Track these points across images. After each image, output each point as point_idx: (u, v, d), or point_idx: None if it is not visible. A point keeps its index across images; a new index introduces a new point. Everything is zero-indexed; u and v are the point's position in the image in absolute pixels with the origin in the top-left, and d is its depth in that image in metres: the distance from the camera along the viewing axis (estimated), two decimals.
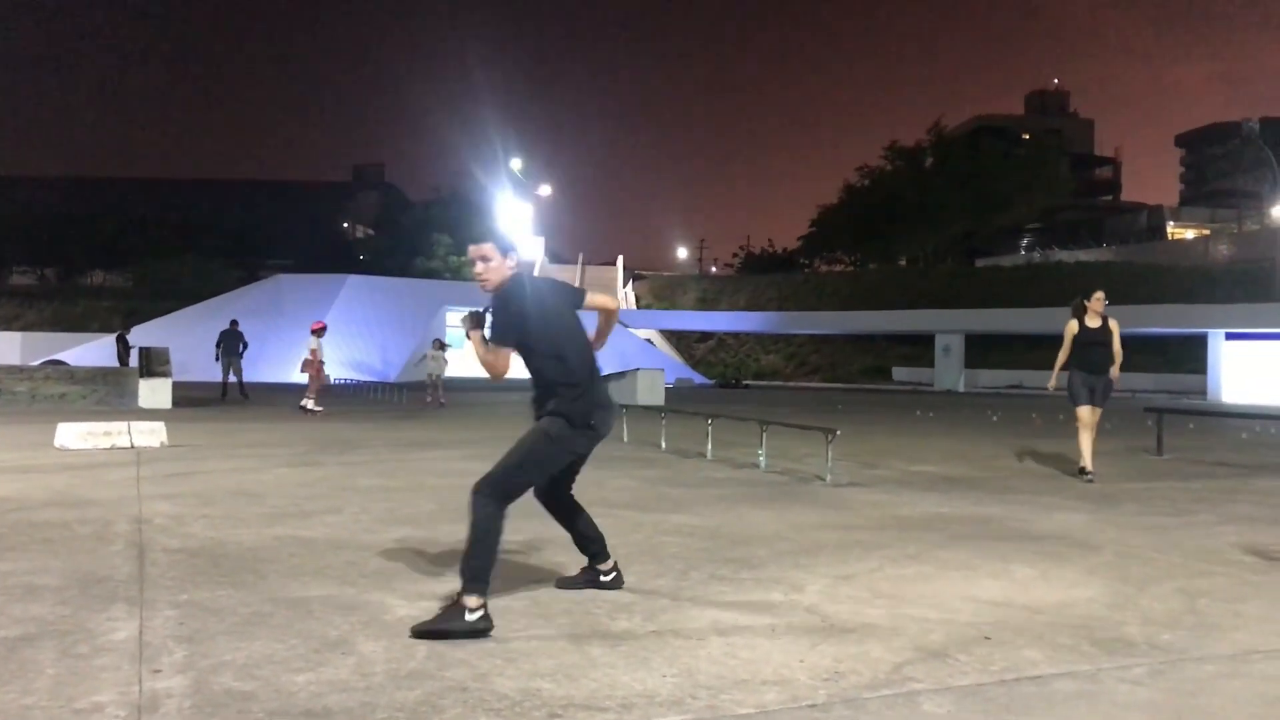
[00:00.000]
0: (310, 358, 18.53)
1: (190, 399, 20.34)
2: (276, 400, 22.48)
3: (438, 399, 22.01)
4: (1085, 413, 9.76)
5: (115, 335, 25.42)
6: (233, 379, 22.62)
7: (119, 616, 4.13)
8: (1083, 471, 9.69)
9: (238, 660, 3.57)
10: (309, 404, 18.15)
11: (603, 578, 4.77)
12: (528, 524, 6.52)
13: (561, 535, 6.22)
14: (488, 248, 4.48)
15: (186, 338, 30.35)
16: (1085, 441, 9.73)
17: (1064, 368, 9.87)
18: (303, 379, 19.05)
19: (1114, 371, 9.79)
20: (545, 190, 64.03)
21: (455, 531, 6.25)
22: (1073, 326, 9.74)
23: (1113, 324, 9.75)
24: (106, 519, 6.48)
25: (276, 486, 8.24)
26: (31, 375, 20.04)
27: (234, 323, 23.21)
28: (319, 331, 18.73)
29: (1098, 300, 9.71)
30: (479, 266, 4.50)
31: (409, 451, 11.49)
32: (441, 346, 23.06)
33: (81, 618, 4.10)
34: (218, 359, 22.76)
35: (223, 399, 21.84)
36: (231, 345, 22.57)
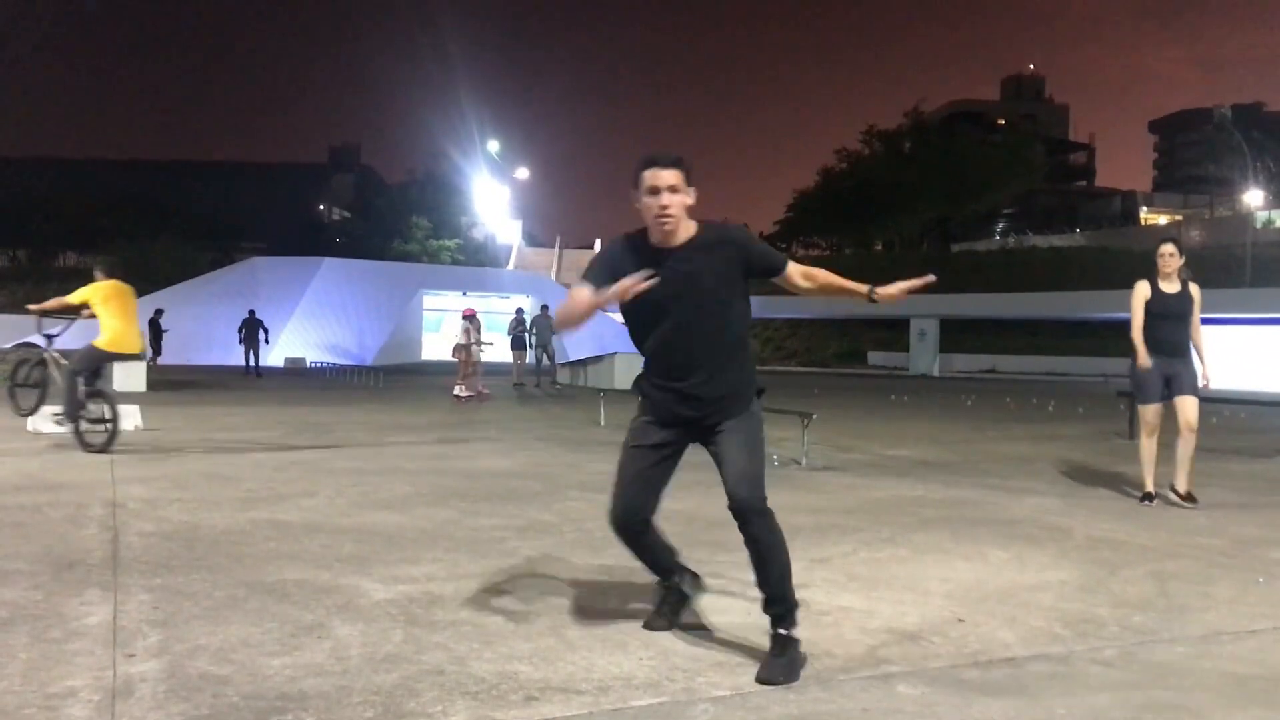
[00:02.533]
0: (463, 341, 18.52)
1: (165, 382, 20.20)
2: (252, 384, 22.54)
3: (478, 388, 18.37)
4: (1151, 413, 7.17)
5: (148, 320, 25.85)
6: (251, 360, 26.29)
7: (92, 601, 4.10)
8: (1147, 497, 7.29)
9: (212, 644, 3.55)
10: (460, 390, 17.97)
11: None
12: (504, 507, 6.53)
13: (536, 520, 6.25)
14: (674, 175, 3.13)
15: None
16: (1150, 451, 7.30)
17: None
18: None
19: (1202, 371, 7.15)
20: (522, 173, 63.66)
21: (431, 515, 6.24)
22: (1142, 290, 7.12)
23: (1194, 290, 7.12)
24: (80, 502, 6.43)
25: (251, 470, 8.19)
26: (4, 358, 19.79)
27: (251, 313, 27.04)
28: (469, 318, 18.90)
29: (1169, 256, 7.08)
30: (665, 199, 3.14)
31: (384, 435, 11.45)
32: (474, 321, 19.03)
33: (54, 602, 4.07)
34: (241, 342, 26.59)
35: (249, 377, 24.80)
36: (252, 331, 26.50)
